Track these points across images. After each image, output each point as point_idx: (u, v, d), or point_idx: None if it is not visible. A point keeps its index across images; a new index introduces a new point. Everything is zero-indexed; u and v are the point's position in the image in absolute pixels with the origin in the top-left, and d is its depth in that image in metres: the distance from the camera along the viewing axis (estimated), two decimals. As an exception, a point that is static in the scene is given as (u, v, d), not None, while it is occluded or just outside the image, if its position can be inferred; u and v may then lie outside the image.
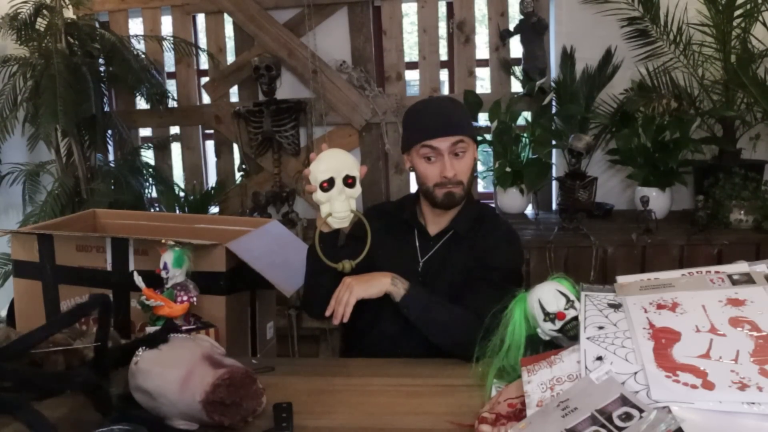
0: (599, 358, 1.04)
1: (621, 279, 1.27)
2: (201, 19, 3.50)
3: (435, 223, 1.68)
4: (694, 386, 0.93)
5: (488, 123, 3.08)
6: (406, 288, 1.49)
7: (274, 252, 1.74)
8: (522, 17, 3.10)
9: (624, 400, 0.93)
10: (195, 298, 1.46)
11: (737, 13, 2.74)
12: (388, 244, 1.66)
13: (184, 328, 1.43)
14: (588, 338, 1.09)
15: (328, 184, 1.38)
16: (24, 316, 1.73)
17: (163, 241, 1.48)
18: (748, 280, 1.14)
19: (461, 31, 3.25)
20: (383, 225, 1.68)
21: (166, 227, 1.95)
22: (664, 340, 1.03)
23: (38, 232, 1.70)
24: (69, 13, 3.18)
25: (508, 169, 3.03)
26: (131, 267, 1.63)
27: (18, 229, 1.76)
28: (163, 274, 1.47)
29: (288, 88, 3.33)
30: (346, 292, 1.45)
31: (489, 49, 3.26)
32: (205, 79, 3.49)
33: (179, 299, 1.44)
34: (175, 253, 1.46)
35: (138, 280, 1.44)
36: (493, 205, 3.33)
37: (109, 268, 1.66)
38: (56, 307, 1.70)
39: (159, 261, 1.47)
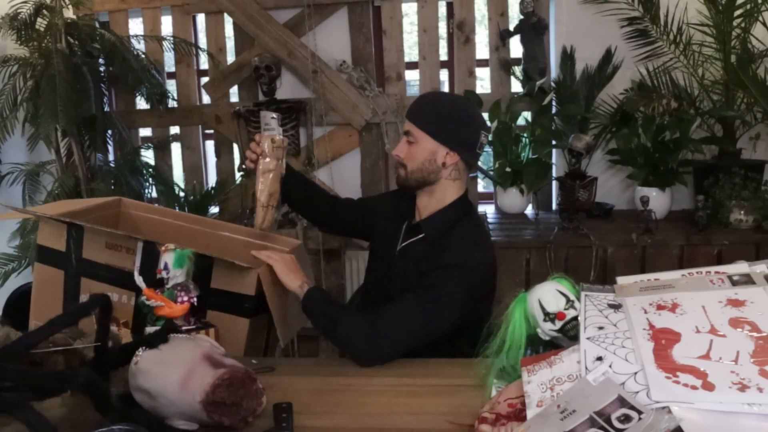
0: (599, 359, 1.04)
1: (621, 280, 1.27)
2: (201, 19, 3.50)
3: (417, 214, 1.74)
4: (694, 387, 0.93)
5: (488, 123, 3.08)
6: (305, 292, 1.56)
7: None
8: (522, 17, 3.10)
9: (622, 402, 0.93)
10: (195, 299, 1.46)
11: (737, 13, 2.74)
12: (385, 225, 1.80)
13: (183, 328, 1.43)
14: (588, 338, 1.09)
15: None
16: (40, 302, 1.70)
17: (163, 249, 1.48)
18: (748, 280, 1.14)
19: (461, 31, 3.25)
20: (393, 207, 1.82)
21: (193, 230, 1.90)
22: (664, 340, 1.03)
23: (70, 221, 1.65)
24: (69, 13, 3.17)
25: (508, 169, 3.03)
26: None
27: (50, 214, 1.69)
28: (164, 274, 1.47)
29: (288, 88, 3.33)
30: (275, 260, 1.57)
31: (489, 49, 3.26)
32: (205, 79, 3.49)
33: (179, 300, 1.44)
34: (176, 253, 1.46)
35: (139, 280, 1.44)
36: (491, 205, 3.34)
37: (136, 271, 1.62)
38: (75, 299, 1.67)
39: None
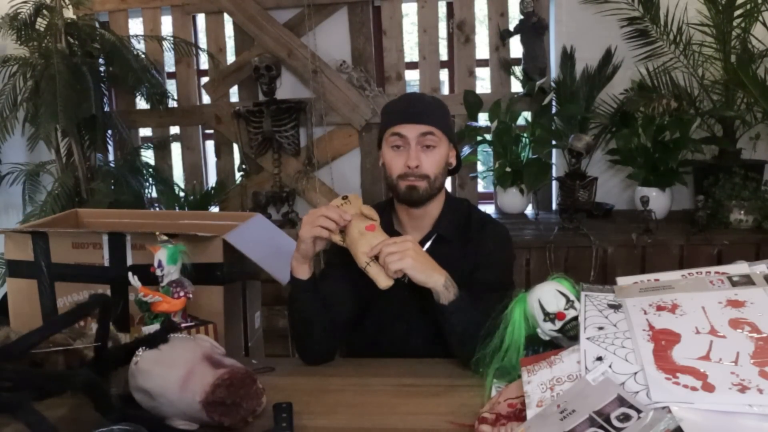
0: (599, 359, 1.04)
1: (621, 280, 1.27)
2: (201, 19, 3.50)
3: (415, 227, 1.56)
4: (694, 388, 0.93)
5: (488, 123, 3.08)
6: (456, 293, 1.38)
7: (265, 244, 1.77)
8: (522, 17, 3.10)
9: (621, 401, 0.93)
10: (192, 294, 1.46)
11: (737, 13, 2.75)
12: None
13: (183, 325, 1.43)
14: (588, 338, 1.09)
15: None
16: (19, 315, 1.71)
17: (157, 234, 1.49)
18: (747, 281, 1.14)
19: (461, 31, 3.25)
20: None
21: (153, 224, 1.91)
22: (663, 341, 1.03)
23: (33, 230, 1.68)
24: (69, 13, 3.17)
25: (508, 169, 3.03)
26: (129, 262, 1.64)
27: (11, 228, 1.74)
28: (158, 272, 1.46)
29: (288, 88, 3.33)
30: (400, 253, 1.32)
31: (489, 49, 3.26)
32: (205, 79, 3.49)
33: (175, 295, 1.44)
34: (169, 250, 1.46)
35: (133, 279, 1.44)
36: (491, 205, 3.34)
37: (106, 263, 1.65)
38: (53, 305, 1.69)
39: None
